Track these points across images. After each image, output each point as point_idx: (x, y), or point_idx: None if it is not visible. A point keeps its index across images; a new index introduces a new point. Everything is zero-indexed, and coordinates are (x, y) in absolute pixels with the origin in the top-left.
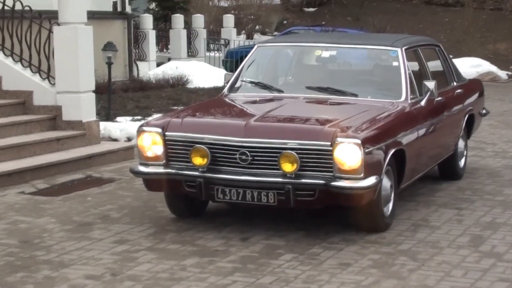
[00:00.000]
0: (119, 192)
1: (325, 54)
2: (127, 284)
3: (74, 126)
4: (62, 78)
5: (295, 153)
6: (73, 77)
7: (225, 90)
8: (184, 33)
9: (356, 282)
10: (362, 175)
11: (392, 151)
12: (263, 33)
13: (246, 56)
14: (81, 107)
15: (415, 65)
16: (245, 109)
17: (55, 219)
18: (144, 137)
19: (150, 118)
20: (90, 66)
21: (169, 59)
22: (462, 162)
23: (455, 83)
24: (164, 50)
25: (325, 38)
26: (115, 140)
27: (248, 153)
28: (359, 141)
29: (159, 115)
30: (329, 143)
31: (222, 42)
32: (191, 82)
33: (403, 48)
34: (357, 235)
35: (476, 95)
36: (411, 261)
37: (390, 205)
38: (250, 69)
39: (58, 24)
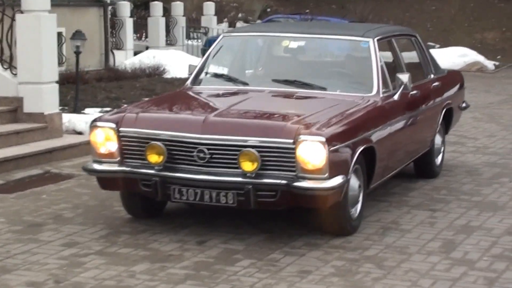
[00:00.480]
0: (76, 189)
1: (293, 44)
2: None
3: (36, 119)
4: (24, 69)
5: (255, 151)
6: (35, 67)
7: (188, 82)
8: (162, 21)
9: None
10: (326, 175)
11: (360, 149)
12: (246, 21)
13: None
14: (43, 98)
15: (388, 57)
16: (206, 103)
17: (4, 219)
18: (97, 132)
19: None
20: (53, 56)
21: (147, 48)
22: (439, 159)
23: (432, 76)
24: (143, 39)
25: (294, 28)
26: (80, 133)
27: (206, 150)
28: (323, 139)
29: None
30: (292, 141)
31: (203, 30)
32: (168, 72)
33: (375, 39)
34: (322, 239)
35: (455, 88)
36: (377, 268)
37: (358, 206)
38: (215, 60)
39: (22, 12)
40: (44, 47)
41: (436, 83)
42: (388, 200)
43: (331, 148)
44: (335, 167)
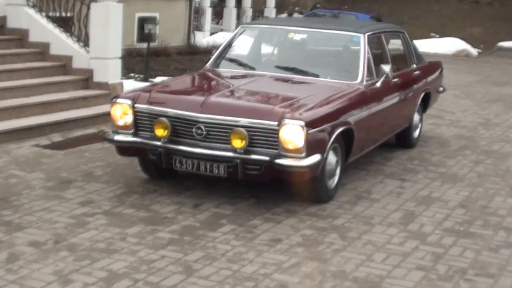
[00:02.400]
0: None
1: (297, 37)
2: (62, 254)
3: (102, 87)
4: (95, 46)
5: (245, 131)
6: (103, 46)
7: (208, 64)
8: (234, 11)
9: (278, 263)
10: (304, 154)
11: (339, 131)
12: (301, 13)
13: None
14: (108, 71)
15: (377, 50)
16: (212, 85)
17: (44, 175)
18: (116, 108)
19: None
20: (118, 36)
21: (221, 30)
22: (416, 133)
23: (414, 65)
24: (220, 23)
25: (299, 23)
26: None
27: (203, 127)
28: (303, 123)
29: None
30: (276, 123)
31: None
32: None
33: (366, 34)
34: (300, 206)
35: (434, 75)
36: (340, 239)
37: (336, 178)
38: (232, 47)
39: (96, 1)
40: (110, 30)
41: (417, 72)
42: (367, 168)
43: (310, 131)
44: (312, 147)
